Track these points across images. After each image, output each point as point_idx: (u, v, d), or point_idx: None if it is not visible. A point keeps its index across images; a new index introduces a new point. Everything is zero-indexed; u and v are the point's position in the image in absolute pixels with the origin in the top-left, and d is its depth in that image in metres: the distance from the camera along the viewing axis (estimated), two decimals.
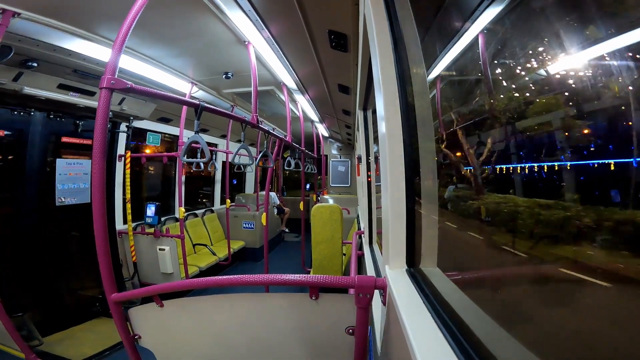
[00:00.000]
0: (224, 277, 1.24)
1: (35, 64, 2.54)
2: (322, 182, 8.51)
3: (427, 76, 1.11)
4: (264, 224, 3.75)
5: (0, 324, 2.29)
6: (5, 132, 2.93)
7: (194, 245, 5.16)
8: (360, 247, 3.19)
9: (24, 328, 2.80)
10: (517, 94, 0.99)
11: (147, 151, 4.74)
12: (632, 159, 0.51)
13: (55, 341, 3.07)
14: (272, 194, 7.52)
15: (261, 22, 2.11)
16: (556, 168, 0.74)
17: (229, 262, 5.28)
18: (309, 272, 4.48)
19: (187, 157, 2.37)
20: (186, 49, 2.72)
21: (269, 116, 5.74)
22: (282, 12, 1.98)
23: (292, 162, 4.37)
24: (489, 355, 0.59)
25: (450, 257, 1.15)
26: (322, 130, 7.19)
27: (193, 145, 2.07)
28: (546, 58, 0.76)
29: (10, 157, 3.02)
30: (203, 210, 5.95)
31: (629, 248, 0.53)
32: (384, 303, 1.07)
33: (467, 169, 1.38)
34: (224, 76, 3.38)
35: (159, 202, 4.06)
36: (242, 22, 2.12)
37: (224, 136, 5.90)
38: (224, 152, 5.74)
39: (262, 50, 2.61)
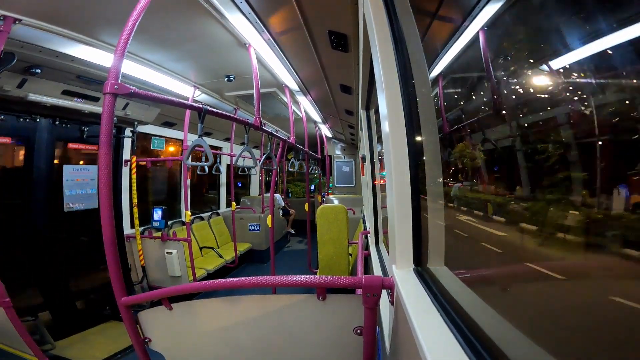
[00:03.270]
0: (232, 279, 1.25)
1: (38, 71, 2.56)
2: (326, 183, 8.50)
3: (429, 74, 1.10)
4: (270, 225, 3.76)
5: (13, 329, 2.32)
6: (12, 139, 2.97)
7: (200, 248, 5.18)
8: (367, 247, 3.19)
9: (36, 332, 2.84)
10: (520, 91, 0.98)
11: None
12: None
13: (67, 345, 3.10)
14: (277, 196, 7.53)
15: (261, 24, 2.11)
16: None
17: (236, 264, 5.31)
18: (315, 273, 4.48)
19: (192, 161, 2.38)
20: (187, 52, 2.73)
21: (272, 118, 5.74)
22: (281, 13, 1.98)
23: (296, 164, 4.37)
24: (499, 354, 0.59)
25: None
26: (325, 130, 7.19)
27: (197, 149, 2.07)
28: (548, 54, 0.75)
29: (18, 164, 3.06)
30: (209, 214, 5.98)
31: None
32: (391, 303, 1.07)
33: (472, 167, 1.37)
34: (226, 79, 3.39)
35: (165, 206, 4.10)
36: (242, 25, 2.12)
37: (227, 139, 5.92)
38: (228, 155, 5.77)
39: (263, 53, 2.61)
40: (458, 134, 1.42)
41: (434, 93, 1.39)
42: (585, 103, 0.65)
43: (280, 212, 7.28)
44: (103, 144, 1.28)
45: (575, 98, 0.69)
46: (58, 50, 2.36)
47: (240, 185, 8.18)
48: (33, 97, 2.71)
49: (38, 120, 3.06)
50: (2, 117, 2.78)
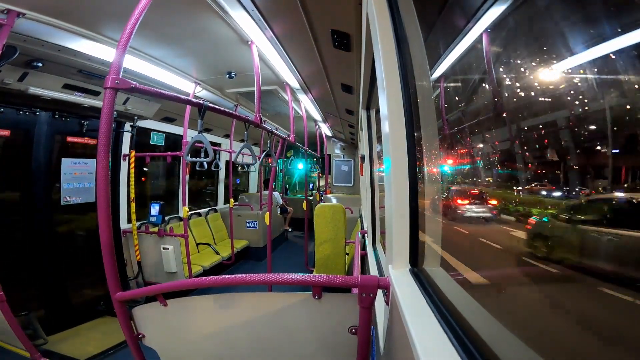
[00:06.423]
0: (228, 276, 1.25)
1: (40, 64, 2.55)
2: (325, 181, 8.50)
3: (431, 75, 1.10)
4: (267, 223, 3.76)
5: (6, 324, 2.31)
6: (12, 132, 2.96)
7: (197, 245, 5.18)
8: (364, 247, 3.19)
9: (29, 327, 2.82)
10: (522, 93, 0.98)
11: None
12: None
13: (60, 340, 3.09)
14: (275, 194, 7.53)
15: (264, 22, 2.11)
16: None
17: (233, 261, 5.30)
18: (312, 272, 4.48)
19: (191, 157, 2.37)
20: (190, 49, 2.72)
21: (272, 116, 5.74)
22: (285, 11, 1.98)
23: (296, 162, 4.37)
24: (492, 355, 0.59)
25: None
26: (325, 129, 7.18)
27: (197, 144, 2.07)
28: (552, 57, 0.75)
29: (16, 157, 3.05)
30: (207, 210, 5.97)
31: None
32: (387, 303, 1.07)
33: (471, 168, 1.37)
34: (227, 76, 3.39)
35: (163, 201, 4.09)
36: (245, 22, 2.12)
37: (227, 136, 5.92)
38: (228, 152, 5.76)
39: (265, 50, 2.61)
40: (459, 135, 1.42)
41: (435, 94, 1.39)
42: None
43: (278, 210, 7.28)
44: (102, 138, 1.28)
45: None
46: (60, 45, 2.35)
47: (238, 182, 8.15)
48: (34, 90, 2.70)
49: (38, 113, 3.05)
50: (2, 109, 2.77)
